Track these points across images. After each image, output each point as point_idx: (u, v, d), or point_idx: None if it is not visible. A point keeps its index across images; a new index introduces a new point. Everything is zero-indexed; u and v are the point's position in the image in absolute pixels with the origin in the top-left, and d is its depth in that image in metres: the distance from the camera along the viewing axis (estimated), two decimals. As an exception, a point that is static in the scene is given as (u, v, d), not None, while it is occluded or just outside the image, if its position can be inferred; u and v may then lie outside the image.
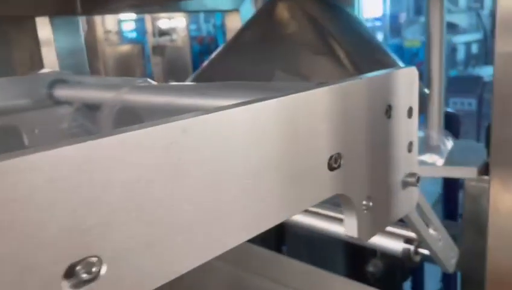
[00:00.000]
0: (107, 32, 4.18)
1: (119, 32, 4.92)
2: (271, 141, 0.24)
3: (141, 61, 4.19)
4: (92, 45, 2.73)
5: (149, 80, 0.56)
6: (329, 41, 0.59)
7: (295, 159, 0.26)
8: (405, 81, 0.34)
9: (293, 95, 0.25)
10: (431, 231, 0.44)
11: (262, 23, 0.71)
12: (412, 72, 0.34)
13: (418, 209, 0.43)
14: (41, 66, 0.82)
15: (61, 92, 0.68)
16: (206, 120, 0.20)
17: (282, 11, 0.67)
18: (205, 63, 0.81)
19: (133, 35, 5.47)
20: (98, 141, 0.17)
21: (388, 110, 0.32)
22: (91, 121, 0.68)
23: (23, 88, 0.73)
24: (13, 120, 0.72)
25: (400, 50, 4.07)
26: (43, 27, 0.82)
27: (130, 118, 0.63)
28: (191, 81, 0.81)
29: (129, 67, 3.79)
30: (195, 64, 4.34)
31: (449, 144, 0.52)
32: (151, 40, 4.87)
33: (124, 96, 0.54)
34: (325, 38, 0.59)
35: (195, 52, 4.88)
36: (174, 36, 4.92)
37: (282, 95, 0.24)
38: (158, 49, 4.79)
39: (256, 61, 0.65)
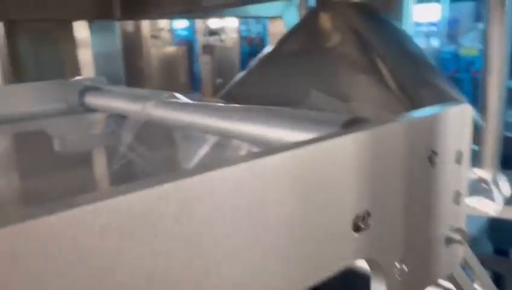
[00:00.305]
0: (159, 30, 4.25)
1: (171, 30, 4.99)
2: (277, 202, 0.20)
3: (185, 63, 4.22)
4: (137, 44, 2.77)
5: (176, 94, 0.54)
6: (372, 58, 0.53)
7: (310, 220, 0.21)
8: (455, 122, 0.28)
9: (311, 146, 0.20)
10: (477, 287, 0.38)
11: (303, 34, 0.67)
12: (465, 111, 0.29)
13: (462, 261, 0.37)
14: (78, 69, 0.82)
15: (91, 100, 0.67)
16: (189, 185, 0.16)
17: (324, 22, 0.62)
18: (243, 72, 0.78)
19: (185, 33, 5.54)
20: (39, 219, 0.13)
21: (432, 157, 0.27)
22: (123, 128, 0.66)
23: (56, 93, 0.72)
24: (44, 125, 0.71)
25: (456, 58, 3.88)
26: (81, 30, 0.82)
27: (156, 131, 0.61)
28: (230, 90, 0.78)
29: (173, 69, 3.82)
30: (243, 66, 4.33)
31: (504, 186, 0.46)
32: (201, 39, 4.91)
33: (148, 111, 0.52)
34: (368, 55, 0.54)
35: (244, 53, 4.89)
36: (224, 36, 4.95)
37: (296, 147, 0.20)
38: (208, 49, 4.83)
39: (293, 76, 0.61)
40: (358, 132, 0.23)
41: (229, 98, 0.73)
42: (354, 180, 0.23)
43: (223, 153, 0.53)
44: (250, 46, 5.09)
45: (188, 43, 5.02)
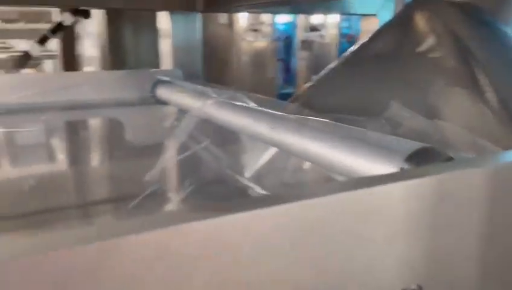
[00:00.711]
0: (260, 23, 4.27)
1: (272, 25, 5.01)
2: (284, 268, 0.14)
3: (275, 58, 4.18)
4: (229, 37, 2.79)
5: (239, 94, 0.50)
6: (471, 69, 0.45)
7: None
8: None
9: (336, 195, 0.15)
10: None
11: (392, 34, 0.59)
12: None
13: None
14: (159, 60, 0.83)
15: (161, 93, 0.66)
16: (118, 249, 0.11)
17: (418, 23, 0.54)
18: (322, 72, 0.73)
19: (286, 28, 5.53)
20: None
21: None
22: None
23: (133, 83, 0.72)
24: (118, 113, 0.72)
25: None
26: (164, 21, 0.82)
27: (218, 128, 0.58)
28: (306, 91, 0.73)
29: (264, 63, 3.81)
30: (340, 63, 4.20)
31: None
32: (300, 34, 4.88)
33: (205, 110, 0.49)
34: (466, 65, 0.45)
35: (343, 49, 4.77)
36: (324, 32, 4.86)
37: (315, 195, 0.14)
38: (306, 44, 4.79)
39: (374, 82, 0.54)
40: (418, 177, 0.16)
41: (304, 99, 0.67)
42: (403, 243, 0.16)
43: (284, 162, 0.48)
44: (349, 43, 4.94)
45: (287, 38, 5.01)
